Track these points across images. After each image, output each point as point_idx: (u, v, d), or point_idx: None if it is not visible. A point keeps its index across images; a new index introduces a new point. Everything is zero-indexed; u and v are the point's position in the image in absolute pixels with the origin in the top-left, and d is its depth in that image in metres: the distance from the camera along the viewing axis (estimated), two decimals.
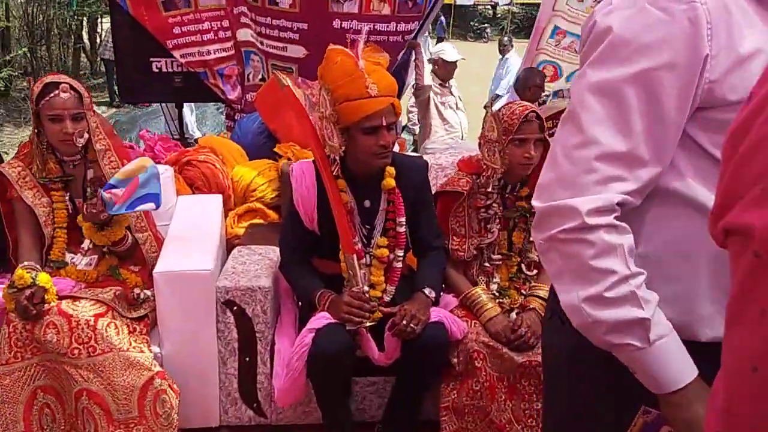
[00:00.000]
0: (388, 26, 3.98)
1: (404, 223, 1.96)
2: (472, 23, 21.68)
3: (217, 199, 2.53)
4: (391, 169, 1.93)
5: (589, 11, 4.00)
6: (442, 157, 2.60)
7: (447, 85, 4.84)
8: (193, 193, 2.66)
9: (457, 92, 4.98)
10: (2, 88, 8.24)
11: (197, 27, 4.03)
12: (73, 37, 10.76)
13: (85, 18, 10.83)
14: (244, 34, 4.02)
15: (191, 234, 2.20)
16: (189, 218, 2.34)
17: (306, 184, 1.92)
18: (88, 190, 2.03)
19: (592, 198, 0.86)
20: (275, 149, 2.86)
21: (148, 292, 2.01)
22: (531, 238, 2.10)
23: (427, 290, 1.90)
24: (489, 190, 2.06)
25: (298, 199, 1.93)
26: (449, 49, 4.86)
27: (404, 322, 1.77)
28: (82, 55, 11.39)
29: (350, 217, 1.92)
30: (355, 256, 1.87)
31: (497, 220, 2.09)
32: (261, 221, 2.75)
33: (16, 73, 8.65)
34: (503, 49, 7.26)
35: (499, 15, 22.43)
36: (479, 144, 2.13)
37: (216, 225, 2.33)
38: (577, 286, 0.88)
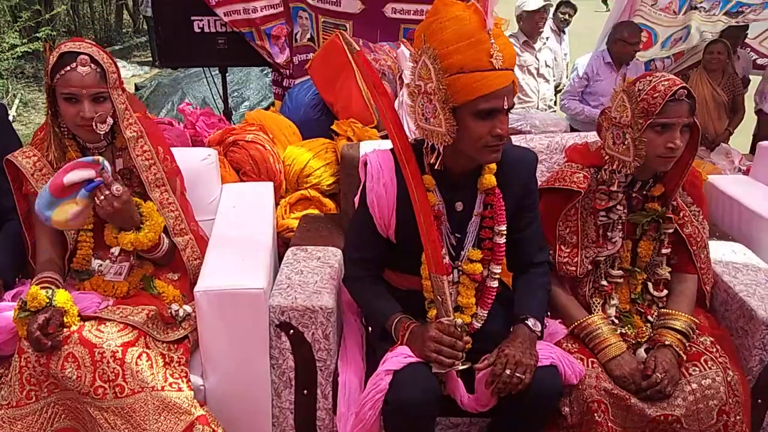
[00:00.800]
0: None
1: (504, 232, 1.53)
2: None
3: (268, 188, 2.16)
4: (491, 164, 1.50)
5: None
6: (535, 139, 2.13)
7: (532, 43, 4.20)
8: (241, 179, 2.30)
9: (551, 51, 4.36)
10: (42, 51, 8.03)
11: None
12: None
13: None
14: None
15: (239, 235, 1.83)
16: (236, 213, 1.97)
17: (384, 181, 1.51)
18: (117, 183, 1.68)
19: None
20: (333, 127, 2.45)
21: (189, 308, 1.66)
22: (663, 250, 1.65)
23: (531, 322, 1.49)
24: (614, 188, 1.60)
25: (373, 200, 1.52)
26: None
27: (507, 371, 1.36)
28: (125, 12, 11.11)
29: (437, 224, 1.50)
30: (445, 277, 1.46)
31: (620, 227, 1.64)
32: (316, 212, 2.38)
33: (58, 32, 8.41)
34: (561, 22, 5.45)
35: None
36: (599, 127, 1.67)
37: (268, 223, 1.95)
38: None
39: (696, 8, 3.93)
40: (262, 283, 1.59)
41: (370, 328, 1.68)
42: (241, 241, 1.79)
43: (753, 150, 4.12)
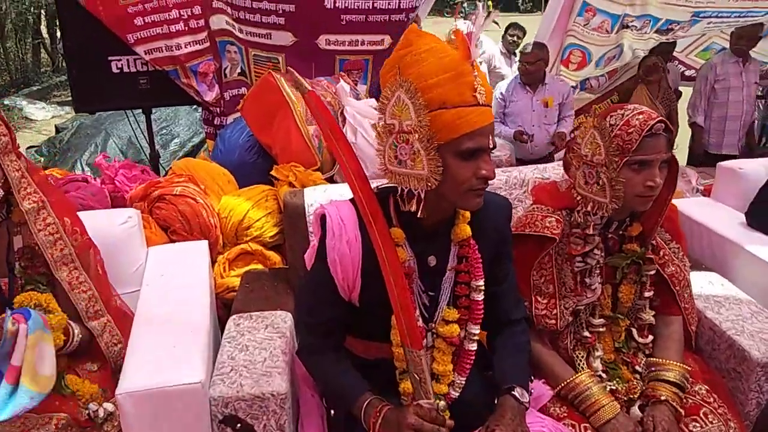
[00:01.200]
0: (389, 2, 3.37)
1: (482, 287, 1.35)
2: None
3: (201, 248, 1.91)
4: (465, 212, 1.33)
5: None
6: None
7: None
8: (170, 239, 2.04)
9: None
10: None
11: (163, 16, 3.43)
12: (30, 31, 9.88)
13: (43, 11, 9.94)
14: (218, 21, 3.40)
15: (169, 312, 1.57)
16: (165, 283, 1.71)
17: (348, 238, 1.30)
18: (17, 265, 1.41)
19: None
20: (272, 172, 2.23)
21: (111, 406, 1.39)
22: (645, 293, 1.51)
23: (518, 392, 1.30)
24: (590, 232, 1.46)
25: (336, 260, 1.30)
26: (460, 25, 4.15)
27: None
28: (42, 50, 10.52)
29: (408, 282, 1.31)
30: (423, 351, 1.26)
31: (598, 271, 1.49)
32: (260, 267, 2.14)
33: None
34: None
35: None
36: (567, 165, 1.53)
37: (204, 291, 1.71)
38: None
39: (628, 27, 3.98)
40: (200, 374, 1.34)
41: (332, 411, 1.45)
42: (172, 319, 1.53)
43: (689, 163, 4.17)
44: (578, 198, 1.46)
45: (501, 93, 3.94)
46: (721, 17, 3.98)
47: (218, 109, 3.62)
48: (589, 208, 1.43)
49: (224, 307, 2.10)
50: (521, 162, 3.71)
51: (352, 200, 1.33)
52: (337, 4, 3.29)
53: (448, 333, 1.34)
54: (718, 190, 2.18)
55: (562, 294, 1.49)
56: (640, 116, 1.35)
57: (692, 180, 2.97)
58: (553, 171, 1.96)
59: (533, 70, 3.74)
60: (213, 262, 2.16)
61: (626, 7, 3.82)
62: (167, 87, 3.49)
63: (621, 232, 1.51)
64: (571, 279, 1.49)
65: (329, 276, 1.31)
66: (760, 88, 5.36)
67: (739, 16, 3.96)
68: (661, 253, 1.52)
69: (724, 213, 2.05)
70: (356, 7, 3.32)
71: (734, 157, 4.19)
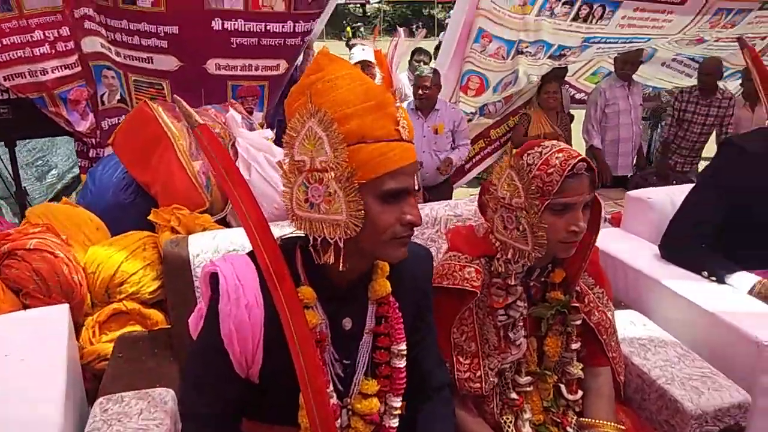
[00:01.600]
0: (284, 26, 3.19)
1: (404, 352, 1.15)
2: (344, 22, 21.12)
3: (60, 314, 1.59)
4: (384, 265, 1.13)
5: (516, 10, 3.48)
6: None
7: None
8: (23, 304, 1.69)
9: None
10: None
11: (25, 38, 3.07)
12: None
13: None
14: (92, 44, 3.08)
15: (11, 413, 1.25)
16: (9, 368, 1.38)
17: (247, 302, 1.05)
18: None
19: None
20: (151, 217, 1.93)
21: None
22: (572, 345, 1.39)
23: None
24: (512, 282, 1.31)
25: (232, 331, 1.05)
26: (357, 51, 4.06)
27: None
28: None
29: (320, 350, 1.08)
30: None
31: (522, 324, 1.35)
32: (138, 328, 1.83)
33: None
34: None
35: (369, 14, 22.07)
36: (483, 207, 1.38)
37: (59, 374, 1.38)
38: None
39: (522, 53, 4.03)
40: None
41: None
42: (16, 419, 1.21)
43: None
44: (497, 244, 1.31)
45: None
46: (609, 43, 4.14)
47: (93, 140, 3.25)
48: (509, 256, 1.29)
49: (95, 379, 1.78)
50: None
51: (250, 253, 1.10)
52: (225, 27, 3.06)
53: (366, 409, 1.13)
54: (628, 220, 2.14)
55: (486, 352, 1.33)
56: (560, 155, 1.23)
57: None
58: (465, 208, 1.82)
59: (430, 95, 3.70)
60: (80, 326, 1.83)
61: (520, 33, 3.87)
62: (33, 116, 3.10)
63: (543, 279, 1.38)
64: (494, 335, 1.33)
65: (222, 349, 1.06)
66: (645, 110, 5.71)
67: (624, 42, 4.14)
68: (586, 300, 1.40)
69: (638, 245, 2.01)
70: (247, 30, 3.11)
71: (627, 177, 4.37)
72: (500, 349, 1.34)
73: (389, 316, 1.13)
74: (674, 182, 3.97)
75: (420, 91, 3.70)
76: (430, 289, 1.25)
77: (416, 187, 1.01)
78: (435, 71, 3.75)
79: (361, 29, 20.89)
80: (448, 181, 4.02)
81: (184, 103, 1.13)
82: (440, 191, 3.87)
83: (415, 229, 1.04)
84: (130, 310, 1.82)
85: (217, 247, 1.62)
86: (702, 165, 4.49)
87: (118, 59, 3.07)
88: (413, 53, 5.42)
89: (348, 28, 13.31)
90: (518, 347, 1.34)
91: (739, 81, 4.47)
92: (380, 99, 0.97)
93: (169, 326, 1.79)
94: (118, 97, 3.26)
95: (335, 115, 0.94)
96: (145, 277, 1.83)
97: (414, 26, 21.38)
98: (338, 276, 1.07)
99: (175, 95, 1.47)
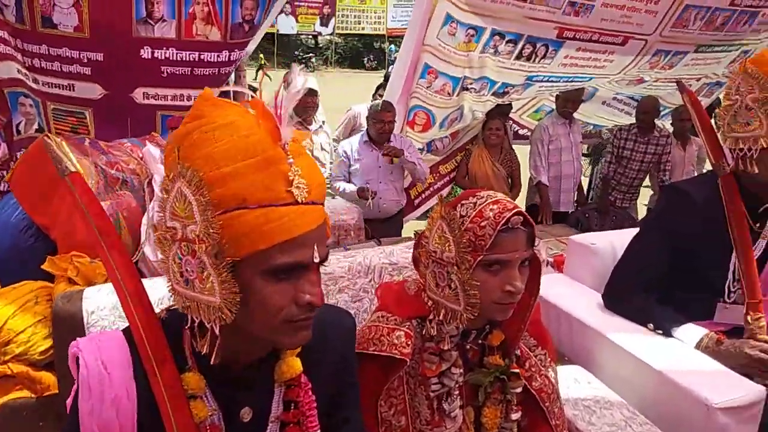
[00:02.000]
0: (218, 56, 3.03)
1: None
2: (296, 53, 21.13)
3: None
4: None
5: (461, 47, 3.45)
6: (332, 261, 1.66)
7: (306, 124, 4.00)
8: None
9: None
10: None
11: None
12: None
13: None
14: (7, 69, 2.86)
15: None
16: None
17: (114, 395, 0.86)
18: None
19: None
20: (45, 266, 1.71)
21: None
22: (512, 415, 1.25)
23: None
24: (445, 347, 1.17)
25: (92, 429, 0.86)
26: (299, 79, 3.93)
27: None
28: None
29: None
30: None
31: (457, 392, 1.21)
32: (27, 394, 1.59)
33: None
34: None
35: (321, 45, 22.21)
36: (416, 261, 1.24)
37: None
38: None
39: (467, 89, 4.02)
40: None
41: None
42: None
43: (538, 222, 4.25)
44: (430, 303, 1.17)
45: (345, 152, 3.80)
46: (551, 81, 4.17)
47: (4, 173, 2.97)
48: (442, 316, 1.15)
49: None
50: (370, 222, 3.51)
51: (126, 330, 0.92)
52: (155, 55, 2.88)
53: None
54: (571, 266, 2.06)
55: (417, 428, 1.18)
56: (495, 206, 1.11)
57: (542, 252, 2.90)
58: (401, 255, 1.68)
59: (390, 129, 3.65)
60: None
61: (465, 69, 3.85)
62: None
63: (480, 341, 1.24)
64: (426, 407, 1.18)
65: None
66: (588, 147, 5.79)
67: (567, 81, 4.18)
68: (527, 364, 1.27)
69: (581, 293, 1.91)
70: (180, 59, 2.94)
71: (568, 213, 4.36)
72: (433, 423, 1.18)
73: (300, 401, 0.96)
74: (614, 218, 4.00)
75: (380, 125, 3.62)
76: (354, 361, 1.09)
77: (317, 259, 0.85)
78: (392, 105, 3.70)
79: (313, 60, 20.99)
80: (400, 213, 3.94)
81: (55, 147, 0.97)
82: (391, 223, 3.83)
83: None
84: (16, 374, 1.58)
85: (115, 303, 1.42)
86: (641, 200, 4.57)
87: (35, 86, 2.85)
88: (378, 88, 5.43)
89: (261, 55, 13.31)
90: (453, 420, 1.19)
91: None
92: (268, 155, 0.80)
93: (60, 392, 1.56)
94: (35, 126, 3.03)
95: (209, 175, 0.77)
96: (36, 335, 1.60)
97: (365, 59, 21.60)
98: (234, 359, 0.90)
99: (44, 136, 1.28)
